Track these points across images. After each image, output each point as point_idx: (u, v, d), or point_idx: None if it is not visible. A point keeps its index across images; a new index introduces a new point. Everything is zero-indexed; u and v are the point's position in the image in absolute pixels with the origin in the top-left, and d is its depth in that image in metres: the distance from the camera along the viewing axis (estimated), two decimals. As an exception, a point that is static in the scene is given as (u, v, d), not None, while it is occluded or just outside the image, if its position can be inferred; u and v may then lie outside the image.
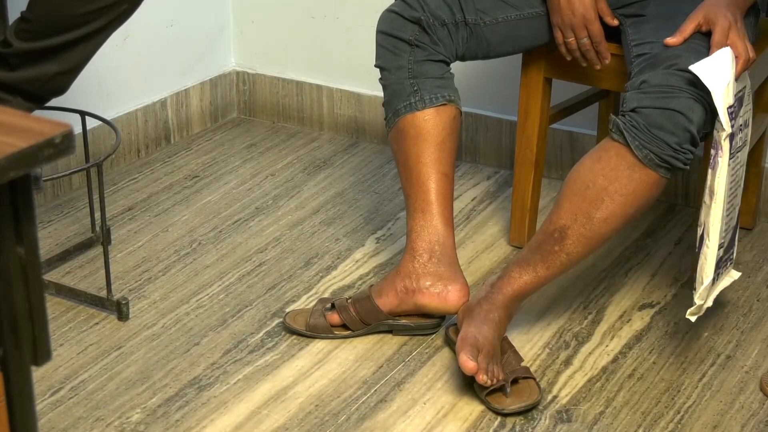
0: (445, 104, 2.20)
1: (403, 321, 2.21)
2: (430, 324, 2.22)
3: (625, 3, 2.25)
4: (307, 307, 2.29)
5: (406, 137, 2.21)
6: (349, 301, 2.21)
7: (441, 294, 2.17)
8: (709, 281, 2.01)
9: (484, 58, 2.31)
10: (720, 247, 2.01)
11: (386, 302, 2.19)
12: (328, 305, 2.22)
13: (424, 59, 2.21)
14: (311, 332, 2.21)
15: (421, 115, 2.20)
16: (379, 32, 2.27)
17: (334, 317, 2.20)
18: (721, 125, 1.93)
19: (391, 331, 2.22)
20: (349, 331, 2.21)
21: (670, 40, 2.05)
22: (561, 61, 2.34)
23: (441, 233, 2.19)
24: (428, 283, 2.17)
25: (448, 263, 2.18)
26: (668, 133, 1.95)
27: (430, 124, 2.20)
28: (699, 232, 2.02)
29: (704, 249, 2.00)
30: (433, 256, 2.17)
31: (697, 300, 2.02)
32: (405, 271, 2.18)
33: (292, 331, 2.22)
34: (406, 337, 2.22)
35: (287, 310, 2.29)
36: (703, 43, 2.03)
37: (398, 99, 2.21)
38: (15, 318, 1.06)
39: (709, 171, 1.98)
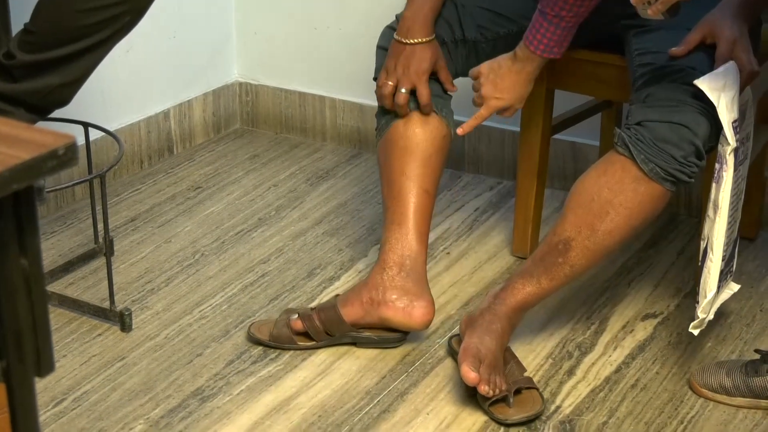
0: (437, 117, 2.20)
1: (366, 333, 2.20)
2: (393, 338, 2.20)
3: (629, 13, 2.25)
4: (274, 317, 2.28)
5: (393, 148, 2.20)
6: (314, 310, 2.20)
7: (406, 309, 2.15)
8: (713, 295, 2.01)
9: None
10: (722, 259, 2.01)
11: (351, 312, 2.17)
12: (294, 315, 2.21)
13: None
14: (274, 342, 2.20)
15: (412, 126, 2.19)
16: (380, 47, 2.28)
17: (298, 323, 2.19)
18: (726, 140, 1.93)
19: (354, 343, 2.21)
20: (312, 342, 2.20)
21: (675, 51, 2.05)
22: (563, 72, 2.34)
23: (413, 248, 2.18)
24: (394, 296, 2.15)
25: (416, 279, 2.17)
26: (674, 146, 1.95)
27: (419, 138, 2.20)
28: (702, 246, 2.01)
29: (708, 263, 2.00)
30: (403, 270, 2.16)
31: (700, 314, 2.02)
32: (373, 283, 2.17)
33: (256, 342, 2.21)
34: (409, 348, 2.21)
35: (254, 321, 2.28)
36: (708, 55, 2.03)
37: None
38: (18, 329, 1.06)
39: (713, 185, 1.98)
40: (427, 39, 2.17)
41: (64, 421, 2.01)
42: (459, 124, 2.24)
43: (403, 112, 2.20)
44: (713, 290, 2.00)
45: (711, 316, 2.04)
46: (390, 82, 2.18)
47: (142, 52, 2.91)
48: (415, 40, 2.17)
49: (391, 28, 2.27)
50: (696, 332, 2.04)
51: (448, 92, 2.25)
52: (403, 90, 2.18)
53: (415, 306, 2.15)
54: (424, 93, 2.18)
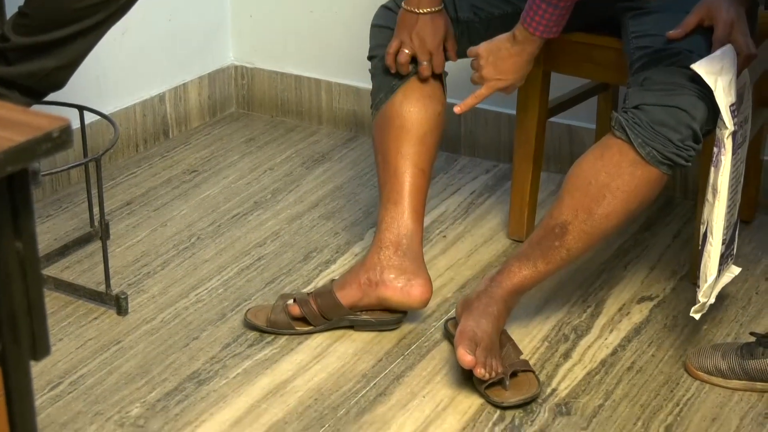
0: (439, 90, 2.20)
1: (364, 316, 2.20)
2: (391, 320, 2.20)
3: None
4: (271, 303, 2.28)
5: (389, 126, 2.20)
6: (310, 295, 2.20)
7: (404, 288, 2.16)
8: (713, 279, 2.01)
9: None
10: (722, 243, 2.01)
11: (348, 294, 2.17)
12: (290, 300, 2.21)
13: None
14: (272, 328, 2.20)
15: (407, 105, 2.19)
16: (374, 26, 2.28)
17: (295, 308, 2.19)
18: (724, 123, 1.93)
19: (352, 326, 2.21)
20: (310, 327, 2.20)
21: (673, 34, 2.04)
22: (559, 54, 2.33)
23: (409, 227, 2.18)
24: (392, 275, 2.16)
25: (413, 258, 2.17)
26: (671, 130, 1.94)
27: (414, 116, 2.20)
28: (702, 230, 2.01)
29: (708, 247, 2.00)
30: (399, 249, 2.17)
31: (701, 298, 2.02)
32: (370, 263, 2.17)
33: (253, 327, 2.21)
34: (405, 331, 2.22)
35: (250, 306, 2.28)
36: (706, 37, 2.03)
37: (386, 82, 2.21)
38: (14, 313, 1.06)
39: (712, 169, 1.97)
40: (438, 8, 2.18)
41: (60, 405, 2.01)
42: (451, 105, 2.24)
43: (426, 81, 2.21)
44: (713, 274, 2.00)
45: (712, 300, 2.04)
46: (407, 51, 2.19)
47: (137, 35, 2.90)
48: (427, 10, 2.17)
49: (386, 8, 2.27)
50: (697, 316, 2.04)
51: (451, 61, 2.26)
52: (425, 62, 2.19)
53: (413, 285, 2.16)
54: (441, 63, 2.21)
